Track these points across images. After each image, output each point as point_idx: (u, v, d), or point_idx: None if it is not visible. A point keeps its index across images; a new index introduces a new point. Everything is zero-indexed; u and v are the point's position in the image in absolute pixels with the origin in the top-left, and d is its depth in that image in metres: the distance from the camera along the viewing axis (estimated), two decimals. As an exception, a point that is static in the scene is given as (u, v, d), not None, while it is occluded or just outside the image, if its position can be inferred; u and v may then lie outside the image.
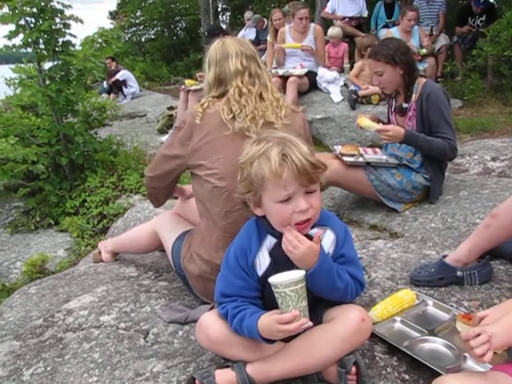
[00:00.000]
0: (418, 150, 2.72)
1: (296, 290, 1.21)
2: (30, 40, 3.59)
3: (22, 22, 3.57)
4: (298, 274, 1.23)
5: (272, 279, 1.24)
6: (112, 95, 8.33)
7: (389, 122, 2.97)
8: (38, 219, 3.84)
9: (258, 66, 1.84)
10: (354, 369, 1.30)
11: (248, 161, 1.30)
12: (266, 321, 1.27)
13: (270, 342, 1.32)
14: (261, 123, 1.72)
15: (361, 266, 1.50)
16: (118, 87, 8.44)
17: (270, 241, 1.38)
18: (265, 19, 7.90)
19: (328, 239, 1.38)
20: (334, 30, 5.83)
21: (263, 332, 1.27)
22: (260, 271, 1.37)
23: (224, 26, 9.46)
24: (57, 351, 1.72)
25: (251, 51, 1.84)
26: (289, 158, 1.24)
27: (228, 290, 1.39)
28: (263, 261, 1.37)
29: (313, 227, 1.35)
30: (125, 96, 8.38)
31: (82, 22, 3.70)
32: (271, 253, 1.37)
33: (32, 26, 3.60)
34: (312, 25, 5.46)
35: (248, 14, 8.80)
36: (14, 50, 3.68)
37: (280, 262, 1.32)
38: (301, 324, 1.23)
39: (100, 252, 2.62)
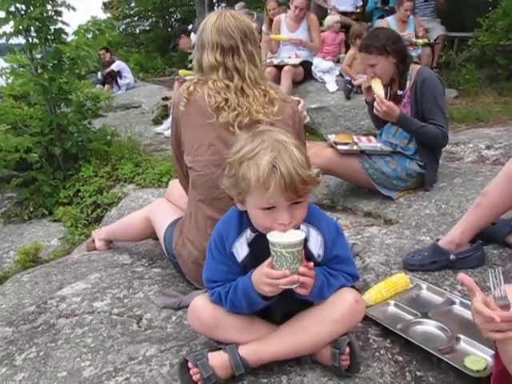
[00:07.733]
0: (410, 134, 2.71)
1: (292, 253, 1.18)
2: (20, 27, 3.55)
3: (13, 9, 3.53)
4: (297, 237, 1.19)
5: (271, 237, 1.19)
6: (106, 86, 8.25)
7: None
8: (31, 209, 3.82)
9: (239, 56, 1.70)
10: (347, 349, 1.30)
11: (238, 160, 1.21)
12: (257, 273, 1.25)
13: (266, 299, 1.28)
14: (246, 121, 1.65)
15: (353, 261, 1.48)
16: (112, 78, 8.37)
17: (249, 233, 1.33)
18: (254, 12, 7.81)
19: (315, 242, 1.33)
20: (332, 18, 5.81)
21: (255, 284, 1.25)
22: (239, 259, 1.34)
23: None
24: (49, 337, 1.71)
25: (230, 39, 1.68)
26: (278, 170, 1.14)
27: (213, 276, 1.38)
28: (241, 250, 1.33)
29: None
30: (119, 87, 8.30)
31: (74, 9, 3.67)
32: (250, 244, 1.33)
33: (23, 13, 3.55)
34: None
35: (238, 7, 8.65)
36: (5, 37, 3.64)
37: (259, 253, 1.27)
38: (289, 281, 1.18)
39: (93, 240, 2.60)
